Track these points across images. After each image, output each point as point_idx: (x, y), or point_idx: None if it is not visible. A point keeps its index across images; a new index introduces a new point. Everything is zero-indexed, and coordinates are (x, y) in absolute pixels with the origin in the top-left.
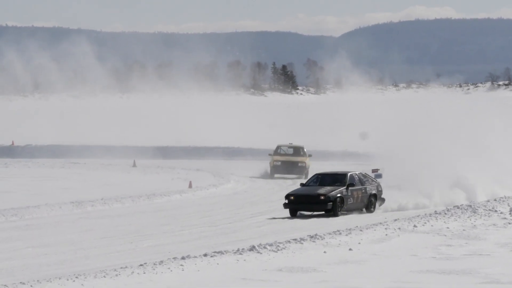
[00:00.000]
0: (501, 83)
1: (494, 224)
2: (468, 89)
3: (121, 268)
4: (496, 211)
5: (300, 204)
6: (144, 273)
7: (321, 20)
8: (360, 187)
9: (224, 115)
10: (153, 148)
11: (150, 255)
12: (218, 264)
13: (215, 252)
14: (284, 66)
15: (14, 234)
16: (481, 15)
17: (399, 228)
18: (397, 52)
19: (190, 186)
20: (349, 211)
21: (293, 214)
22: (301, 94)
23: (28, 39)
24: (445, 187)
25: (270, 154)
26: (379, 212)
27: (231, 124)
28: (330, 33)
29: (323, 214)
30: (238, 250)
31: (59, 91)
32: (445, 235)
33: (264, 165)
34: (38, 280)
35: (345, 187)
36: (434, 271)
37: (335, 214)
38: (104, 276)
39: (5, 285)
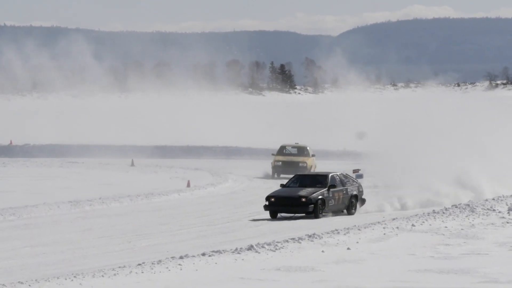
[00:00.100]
0: (499, 82)
1: (492, 223)
2: (466, 88)
3: (119, 267)
4: (494, 210)
5: (281, 206)
6: (143, 272)
7: (320, 20)
8: (341, 188)
9: (223, 115)
10: (151, 147)
11: (148, 254)
12: (216, 263)
13: (213, 251)
14: (283, 66)
15: (12, 234)
16: (480, 15)
17: (397, 227)
18: (395, 51)
19: (188, 185)
20: (330, 213)
21: (274, 216)
22: (299, 93)
23: (26, 39)
24: (451, 186)
25: (273, 154)
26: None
27: (230, 123)
28: (329, 33)
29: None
30: (236, 249)
31: (57, 90)
32: (443, 234)
33: (262, 164)
34: (36, 280)
35: (326, 188)
36: (432, 270)
37: (316, 216)
38: (103, 276)
39: (3, 285)
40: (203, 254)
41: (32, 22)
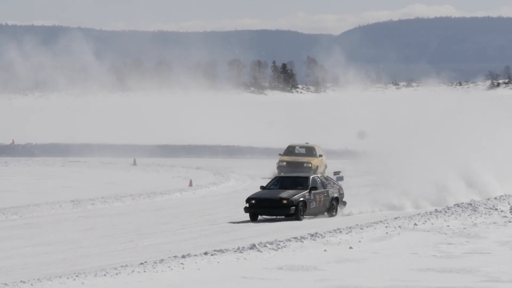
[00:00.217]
0: (501, 81)
1: (494, 223)
2: (468, 87)
3: (122, 266)
4: (496, 209)
5: (261, 208)
6: (145, 271)
7: (321, 19)
8: (323, 190)
9: (224, 114)
10: (153, 146)
11: (150, 253)
12: (218, 262)
13: (215, 250)
14: (284, 65)
15: (14, 233)
16: (481, 14)
17: (400, 226)
18: (396, 51)
19: (190, 184)
20: (311, 215)
21: (254, 219)
22: (301, 92)
23: (27, 38)
24: (456, 184)
25: (280, 154)
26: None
27: (231, 122)
28: (330, 32)
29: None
30: (238, 248)
31: (59, 89)
32: (446, 233)
33: (264, 163)
34: (38, 279)
35: (307, 190)
36: (435, 269)
37: (297, 219)
38: (105, 275)
39: (5, 284)
40: (205, 253)
41: (34, 21)
